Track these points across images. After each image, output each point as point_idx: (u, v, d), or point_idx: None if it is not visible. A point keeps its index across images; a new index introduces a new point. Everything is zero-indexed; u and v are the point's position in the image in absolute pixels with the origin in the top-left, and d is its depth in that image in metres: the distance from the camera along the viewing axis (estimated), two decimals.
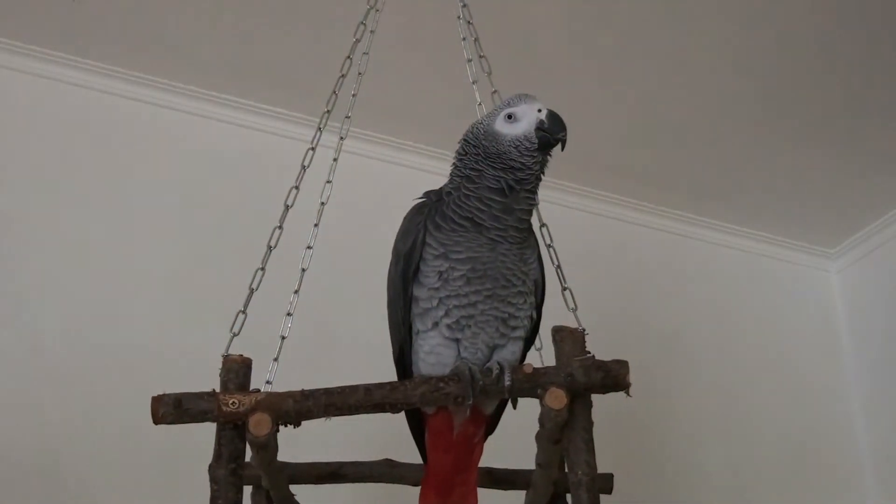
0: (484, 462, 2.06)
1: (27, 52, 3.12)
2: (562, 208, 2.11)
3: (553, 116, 1.83)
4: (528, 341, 1.92)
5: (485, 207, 1.80)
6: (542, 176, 1.87)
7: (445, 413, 1.88)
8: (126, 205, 3.13)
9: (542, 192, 3.20)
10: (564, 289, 1.93)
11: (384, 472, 2.06)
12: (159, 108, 3.29)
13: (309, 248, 1.99)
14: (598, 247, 3.67)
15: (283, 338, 1.91)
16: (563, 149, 1.85)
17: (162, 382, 2.82)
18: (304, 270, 1.98)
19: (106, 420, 2.76)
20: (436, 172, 3.63)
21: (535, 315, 1.89)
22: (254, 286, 1.97)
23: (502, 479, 2.09)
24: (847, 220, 4.06)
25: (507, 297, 1.81)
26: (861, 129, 3.52)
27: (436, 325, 1.81)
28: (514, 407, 1.86)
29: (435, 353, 1.82)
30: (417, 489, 2.02)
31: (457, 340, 1.81)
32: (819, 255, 4.28)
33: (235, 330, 1.90)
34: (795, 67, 3.23)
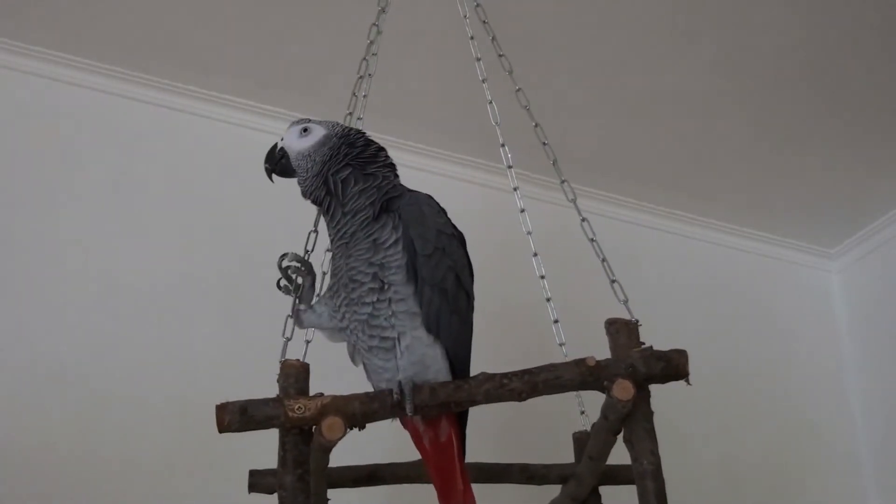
0: (515, 459, 2.08)
1: (27, 52, 3.11)
2: (561, 208, 2.11)
3: None
4: (444, 324, 1.81)
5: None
6: (320, 192, 1.86)
7: (411, 425, 1.88)
8: (125, 205, 3.11)
9: (542, 193, 3.23)
10: (613, 281, 1.95)
11: (421, 472, 2.03)
12: (159, 108, 3.29)
13: (328, 250, 2.00)
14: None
15: (308, 342, 1.92)
16: (269, 178, 1.95)
17: (163, 383, 2.85)
18: (325, 273, 1.98)
19: (106, 420, 2.75)
20: (437, 173, 3.66)
21: (428, 295, 1.77)
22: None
23: (536, 475, 2.08)
24: (847, 220, 4.06)
25: (358, 298, 1.77)
26: (861, 130, 3.52)
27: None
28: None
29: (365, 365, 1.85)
30: None
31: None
32: (819, 255, 4.28)
33: (288, 335, 1.91)
34: (796, 68, 3.24)
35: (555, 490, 2.05)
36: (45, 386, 2.74)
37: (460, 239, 1.90)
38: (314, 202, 1.89)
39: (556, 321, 2.14)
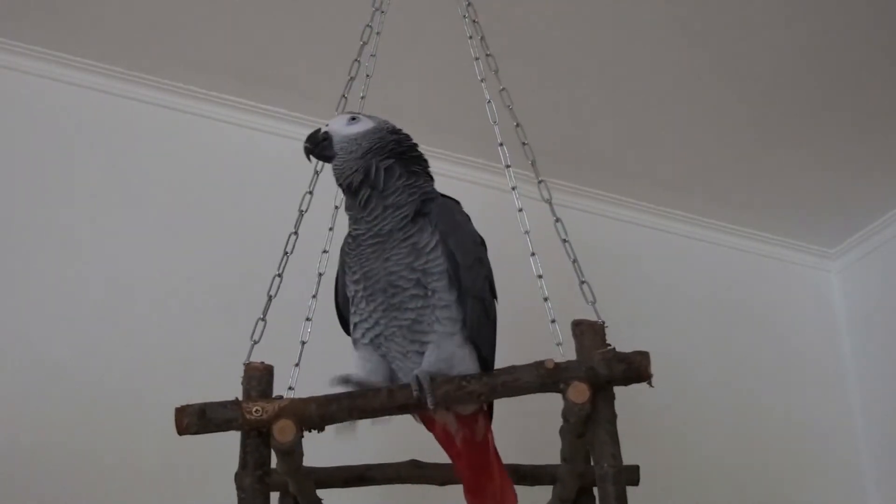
0: (509, 458, 2.07)
1: (27, 52, 3.11)
2: (560, 208, 2.11)
3: None
4: (482, 330, 1.84)
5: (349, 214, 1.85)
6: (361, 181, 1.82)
7: (437, 425, 1.88)
8: (125, 205, 3.12)
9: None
10: (582, 282, 1.93)
11: (411, 473, 2.05)
12: (159, 108, 3.29)
13: (325, 251, 2.00)
14: (597, 247, 3.66)
15: (304, 343, 1.92)
16: (307, 158, 1.93)
17: (163, 383, 2.85)
18: (321, 275, 1.98)
19: (106, 420, 2.76)
20: (436, 172, 3.63)
21: (469, 305, 1.78)
22: (272, 293, 1.97)
23: (528, 475, 2.08)
24: (847, 220, 4.06)
25: (400, 304, 1.75)
26: (861, 130, 3.52)
27: (360, 342, 1.83)
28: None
29: (368, 363, 1.82)
30: (444, 489, 2.02)
31: (384, 356, 1.81)
32: (819, 255, 4.27)
33: (256, 338, 1.91)
34: (796, 68, 3.23)
35: (547, 490, 2.05)
36: (45, 386, 2.74)
37: (485, 246, 1.93)
38: (346, 189, 1.84)
39: (553, 321, 2.13)
